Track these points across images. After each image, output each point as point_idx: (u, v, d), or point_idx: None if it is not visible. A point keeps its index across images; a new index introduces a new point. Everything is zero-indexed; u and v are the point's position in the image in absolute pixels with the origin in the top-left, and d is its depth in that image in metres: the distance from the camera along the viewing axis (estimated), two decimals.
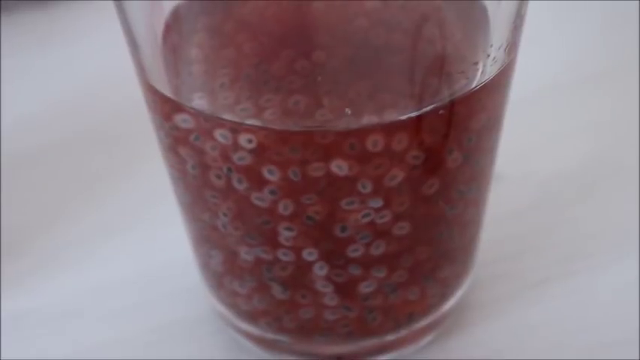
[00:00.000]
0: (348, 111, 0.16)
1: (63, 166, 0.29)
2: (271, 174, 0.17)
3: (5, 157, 0.29)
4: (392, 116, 0.17)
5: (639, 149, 0.29)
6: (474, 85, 0.17)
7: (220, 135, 0.17)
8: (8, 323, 0.24)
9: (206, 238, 0.20)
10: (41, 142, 0.30)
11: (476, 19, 0.18)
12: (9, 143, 0.30)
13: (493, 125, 0.19)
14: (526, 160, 0.29)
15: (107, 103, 0.31)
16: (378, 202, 0.18)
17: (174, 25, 0.19)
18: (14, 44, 0.35)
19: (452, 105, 0.17)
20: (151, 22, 0.19)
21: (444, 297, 0.22)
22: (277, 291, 0.20)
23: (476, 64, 0.17)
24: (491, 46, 0.17)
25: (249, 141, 0.17)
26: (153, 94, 0.18)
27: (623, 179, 0.28)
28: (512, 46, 0.18)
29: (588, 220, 0.27)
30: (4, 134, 0.30)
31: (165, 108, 0.18)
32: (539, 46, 0.30)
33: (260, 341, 0.22)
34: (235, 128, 0.17)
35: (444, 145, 0.18)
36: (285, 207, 0.18)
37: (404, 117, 0.17)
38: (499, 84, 0.18)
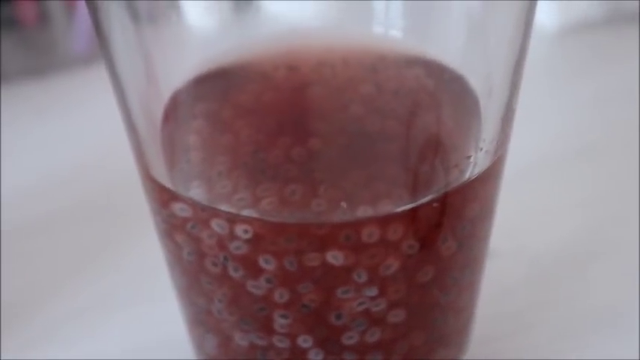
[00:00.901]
0: (343, 204, 0.17)
1: (59, 238, 0.30)
2: (267, 263, 0.17)
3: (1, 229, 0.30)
4: (387, 207, 0.17)
5: (637, 223, 0.29)
6: (466, 176, 0.17)
7: (217, 225, 0.17)
8: None
9: (201, 321, 0.20)
10: (38, 215, 0.30)
11: (469, 109, 0.19)
12: (5, 215, 0.30)
13: (486, 213, 0.19)
14: (519, 235, 0.29)
15: (105, 175, 0.32)
16: (373, 291, 0.18)
17: (172, 112, 0.19)
18: (12, 114, 0.36)
19: (446, 196, 0.17)
20: (149, 108, 0.19)
21: None
22: None
23: (469, 157, 0.18)
24: (484, 139, 0.18)
25: (246, 231, 0.17)
26: (151, 182, 0.18)
27: (617, 254, 0.28)
28: (503, 139, 0.18)
29: (583, 296, 0.27)
30: (1, 206, 0.31)
31: (162, 196, 0.18)
32: (529, 122, 0.30)
33: None
34: (232, 219, 0.17)
35: (438, 234, 0.18)
36: (280, 295, 0.18)
37: (399, 209, 0.17)
38: (491, 175, 0.18)
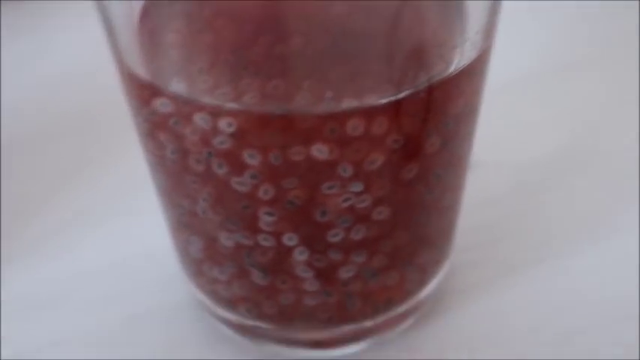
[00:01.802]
0: (329, 94, 0.17)
1: (39, 155, 0.29)
2: (252, 158, 0.17)
3: None
4: (372, 100, 0.17)
5: (621, 137, 0.29)
6: (452, 69, 0.17)
7: (200, 119, 0.17)
8: None
9: (185, 224, 0.20)
10: (18, 132, 0.30)
11: (453, 3, 0.18)
12: None
13: (471, 111, 0.19)
14: (501, 148, 0.29)
15: (85, 92, 0.31)
16: (358, 187, 0.18)
17: (151, 9, 0.19)
18: None
19: (430, 89, 0.17)
20: (127, 6, 0.18)
21: (422, 283, 0.22)
22: (257, 277, 0.20)
23: (454, 47, 0.18)
24: (469, 30, 0.17)
25: (229, 125, 0.17)
26: (130, 79, 0.18)
27: (596, 167, 0.28)
28: (489, 31, 0.18)
29: (562, 206, 0.27)
30: None
31: (143, 93, 0.18)
32: (514, 36, 0.30)
33: (239, 328, 0.22)
34: (215, 112, 0.17)
35: (422, 129, 0.18)
36: (265, 192, 0.18)
37: (384, 101, 0.17)
38: (477, 69, 0.18)
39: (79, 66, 0.32)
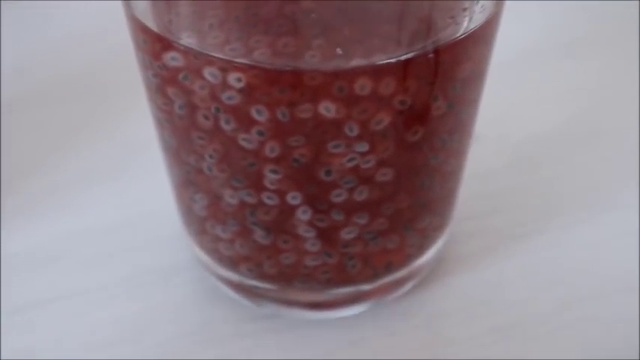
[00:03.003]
0: (339, 50, 0.17)
1: (46, 113, 0.29)
2: (259, 114, 0.17)
3: None
4: (380, 60, 0.17)
5: (621, 113, 0.29)
6: (461, 31, 0.17)
7: (209, 74, 0.17)
8: None
9: (190, 181, 0.21)
10: (26, 89, 0.30)
11: None
12: None
13: (477, 77, 0.19)
14: (503, 122, 0.29)
15: (94, 51, 0.31)
16: (363, 147, 0.18)
17: None
18: None
19: (438, 52, 0.17)
20: None
21: (422, 248, 0.22)
22: (260, 236, 0.20)
23: (464, 10, 0.18)
24: None
25: (239, 80, 0.17)
26: (142, 32, 0.18)
27: (598, 143, 0.29)
28: None
29: (561, 180, 0.27)
30: None
31: (154, 46, 0.18)
32: (520, 12, 0.30)
33: (239, 288, 0.23)
34: (225, 67, 0.17)
35: (429, 91, 0.18)
36: (271, 149, 0.18)
37: (392, 60, 0.17)
38: (485, 34, 0.18)
39: (87, 27, 0.32)
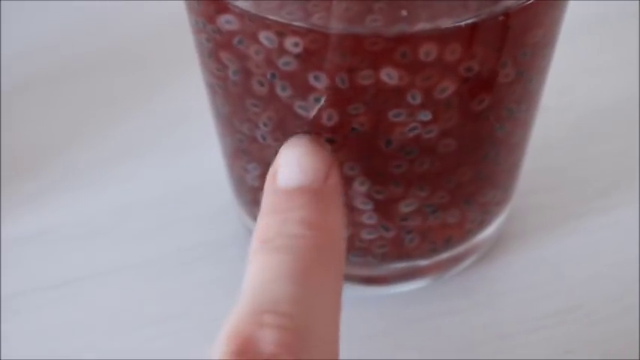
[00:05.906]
0: (404, 12, 0.16)
1: (88, 84, 0.29)
2: (317, 80, 0.17)
3: (29, 75, 0.29)
4: (446, 24, 0.16)
5: None
6: None
7: (265, 38, 0.16)
8: (32, 239, 0.24)
9: (243, 151, 0.20)
10: (70, 61, 0.30)
11: None
12: (32, 61, 0.29)
13: (548, 42, 0.18)
14: (568, 92, 0.28)
15: (133, 21, 0.31)
16: (426, 116, 0.17)
17: None
18: None
19: (509, 16, 0.16)
20: None
21: (482, 223, 0.22)
22: None
23: None
24: None
25: (296, 45, 0.16)
26: None
27: None
28: None
29: (626, 155, 0.26)
30: (29, 52, 0.30)
31: (208, 9, 0.17)
32: None
33: None
34: (281, 31, 0.16)
35: (498, 58, 0.17)
36: (329, 117, 0.17)
37: (460, 24, 0.16)
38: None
39: None
